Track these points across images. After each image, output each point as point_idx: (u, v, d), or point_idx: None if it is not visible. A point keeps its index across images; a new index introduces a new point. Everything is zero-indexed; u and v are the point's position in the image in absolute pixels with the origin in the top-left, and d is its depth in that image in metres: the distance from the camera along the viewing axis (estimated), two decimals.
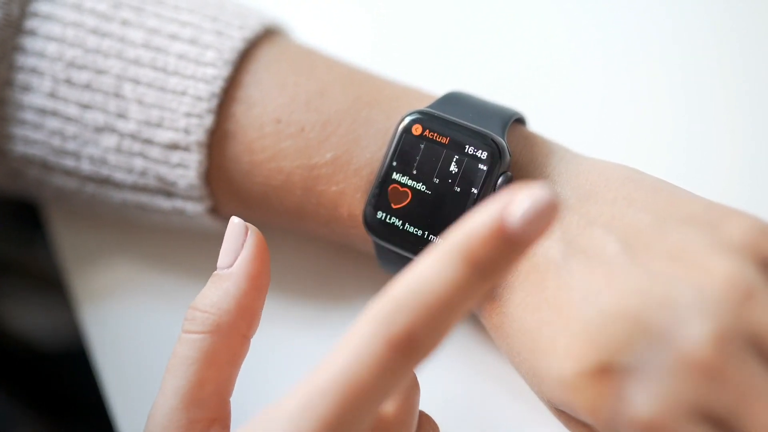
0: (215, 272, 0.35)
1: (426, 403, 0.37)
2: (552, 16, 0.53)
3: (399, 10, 0.54)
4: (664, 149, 0.48)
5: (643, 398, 0.31)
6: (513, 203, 0.28)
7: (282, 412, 0.28)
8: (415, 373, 0.35)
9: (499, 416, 0.42)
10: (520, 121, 0.41)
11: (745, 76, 0.50)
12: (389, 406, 0.34)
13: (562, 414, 0.38)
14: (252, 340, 0.43)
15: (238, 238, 0.35)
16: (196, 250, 0.47)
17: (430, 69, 0.50)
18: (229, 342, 0.34)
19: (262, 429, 0.28)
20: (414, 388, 0.35)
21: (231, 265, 0.35)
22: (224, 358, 0.34)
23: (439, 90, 0.41)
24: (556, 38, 0.52)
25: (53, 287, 0.57)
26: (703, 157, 0.48)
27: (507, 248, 0.28)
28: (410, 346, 0.28)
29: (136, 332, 0.47)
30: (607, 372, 0.32)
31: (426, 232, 0.38)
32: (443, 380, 0.42)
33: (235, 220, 0.36)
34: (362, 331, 0.28)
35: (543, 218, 0.28)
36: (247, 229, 0.35)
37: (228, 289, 0.34)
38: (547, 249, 0.36)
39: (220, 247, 0.36)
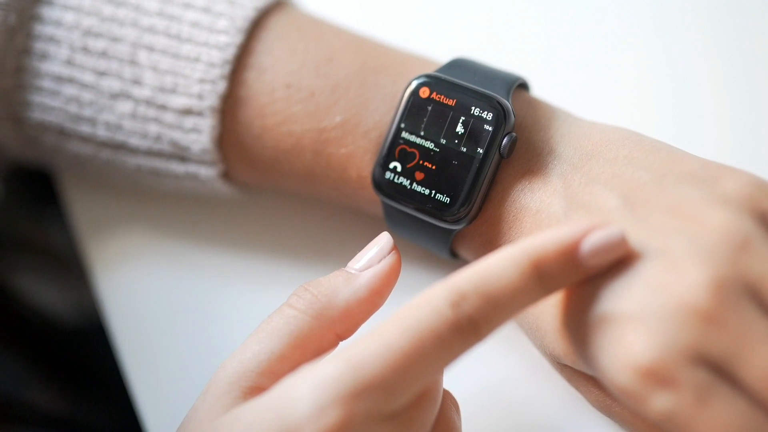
0: (347, 268, 0.36)
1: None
2: None
3: None
4: (664, 114, 0.49)
5: (643, 344, 0.32)
6: (592, 234, 0.33)
7: (328, 365, 0.30)
8: None
9: (509, 380, 0.43)
10: (523, 87, 0.42)
11: (744, 47, 0.51)
12: None
13: (565, 368, 0.39)
14: (259, 302, 0.44)
15: (382, 252, 0.36)
16: (209, 216, 0.48)
17: (434, 38, 0.51)
18: (322, 333, 0.35)
19: (299, 383, 0.31)
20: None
21: (362, 270, 0.36)
22: (312, 347, 0.35)
23: (443, 58, 0.42)
24: (557, 7, 0.53)
25: (67, 262, 0.58)
26: (702, 121, 0.49)
27: (570, 268, 0.33)
28: (471, 330, 0.31)
29: (152, 299, 0.48)
30: (608, 320, 0.33)
31: (433, 191, 0.39)
32: None
33: (386, 236, 0.37)
34: (427, 308, 0.31)
35: (609, 253, 0.33)
36: (392, 248, 0.37)
37: (346, 288, 0.35)
38: (549, 205, 0.38)
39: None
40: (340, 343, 0.36)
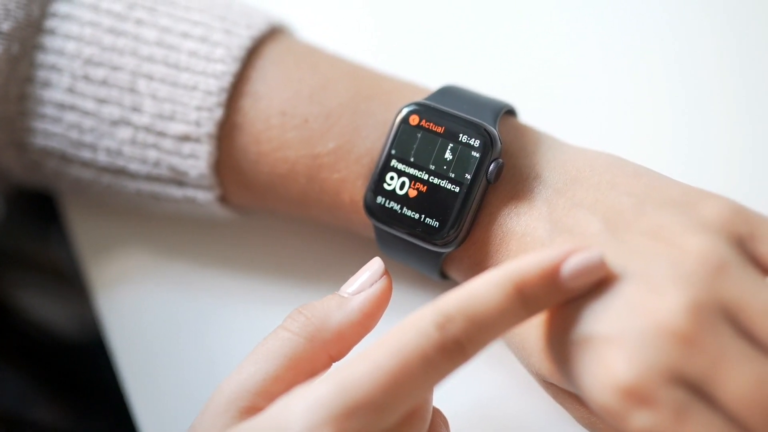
0: (340, 291, 0.38)
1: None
2: (544, 12, 0.55)
3: (396, 8, 0.56)
4: (649, 140, 0.50)
5: (623, 365, 0.33)
6: (572, 256, 0.34)
7: (321, 387, 0.31)
8: None
9: (490, 392, 0.44)
10: (511, 113, 0.43)
11: (737, 67, 0.52)
12: None
13: (551, 386, 0.40)
14: (256, 321, 0.45)
15: (374, 277, 0.38)
16: (206, 238, 0.49)
17: (426, 65, 0.52)
18: (316, 355, 0.36)
19: (293, 404, 0.32)
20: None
21: (354, 294, 0.37)
22: (306, 368, 0.36)
23: (434, 84, 0.43)
24: (546, 33, 0.54)
25: (68, 279, 0.59)
26: (688, 147, 0.50)
27: (552, 290, 0.34)
28: (457, 351, 0.32)
29: (152, 319, 0.49)
30: (589, 341, 0.34)
31: (423, 215, 0.40)
32: None
33: (378, 261, 0.38)
34: (414, 331, 0.32)
35: (589, 275, 0.34)
36: (384, 273, 0.38)
37: (339, 312, 0.37)
38: (535, 229, 0.39)
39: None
40: (333, 364, 0.37)
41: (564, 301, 0.35)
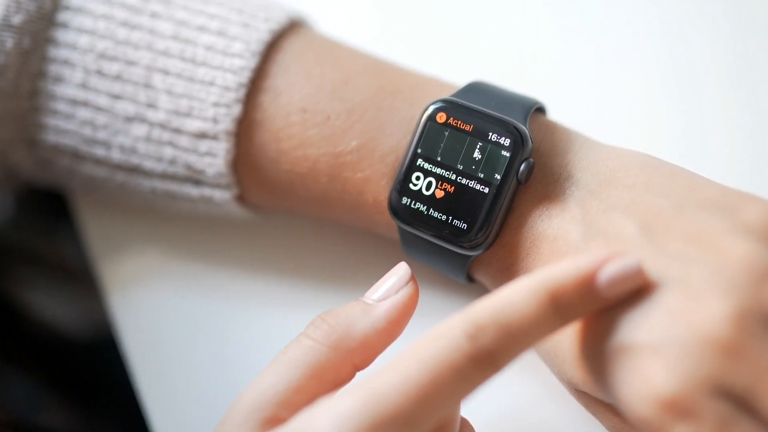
0: (365, 298, 0.36)
1: None
2: (568, 6, 0.53)
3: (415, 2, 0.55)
4: (682, 139, 0.49)
5: (664, 375, 0.31)
6: (608, 264, 0.33)
7: (338, 406, 0.30)
8: None
9: (521, 400, 0.42)
10: (540, 110, 0.42)
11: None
12: None
13: (583, 395, 0.38)
14: (272, 324, 0.44)
15: (399, 283, 0.36)
16: (222, 237, 0.48)
17: (449, 60, 0.51)
18: (339, 364, 0.35)
19: (318, 417, 0.31)
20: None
21: (379, 300, 0.36)
22: (329, 377, 0.35)
23: (459, 81, 0.42)
24: (573, 29, 0.53)
25: (79, 278, 0.58)
26: (721, 147, 0.48)
27: (588, 298, 0.33)
28: (488, 362, 0.31)
29: (164, 319, 0.48)
30: (627, 350, 0.33)
31: (450, 217, 0.39)
32: None
33: (404, 266, 0.37)
34: (444, 341, 0.31)
35: (626, 283, 0.33)
36: (410, 279, 0.37)
37: (363, 319, 0.35)
38: (567, 232, 0.37)
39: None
40: (358, 373, 0.36)
41: (600, 309, 0.33)
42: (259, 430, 0.33)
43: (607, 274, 0.33)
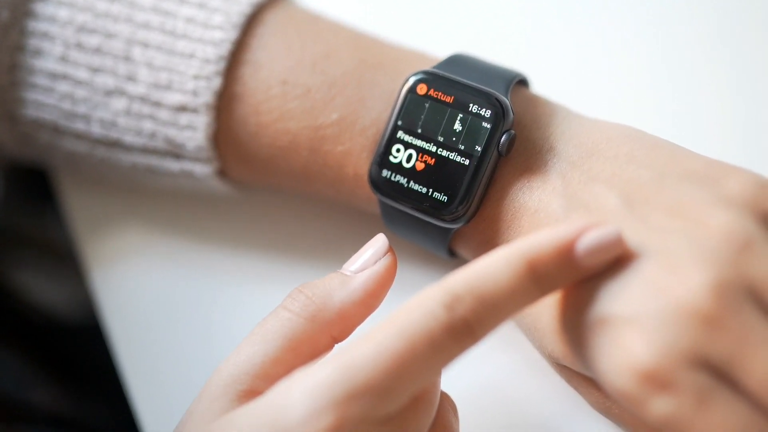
0: (343, 269, 0.36)
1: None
2: None
3: None
4: (665, 109, 0.48)
5: (642, 347, 0.31)
6: (587, 232, 0.32)
7: (321, 371, 0.30)
8: None
9: (500, 374, 0.42)
10: (523, 83, 0.41)
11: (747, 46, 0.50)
12: None
13: (564, 369, 0.38)
14: (256, 300, 0.43)
15: (377, 254, 0.36)
16: (204, 213, 0.47)
17: (432, 33, 0.51)
18: (317, 336, 0.35)
19: (294, 388, 0.30)
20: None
21: (357, 272, 0.36)
22: (307, 349, 0.34)
23: (441, 54, 0.41)
24: (560, 1, 0.52)
25: (65, 259, 0.58)
26: (703, 117, 0.48)
27: (566, 268, 0.32)
28: (466, 332, 0.31)
29: (148, 297, 0.47)
30: (606, 322, 0.32)
31: (431, 190, 0.38)
32: None
33: (382, 238, 0.37)
34: (421, 311, 0.31)
35: (606, 252, 0.32)
36: (388, 250, 0.36)
37: (341, 291, 0.35)
38: (548, 204, 0.37)
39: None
40: (336, 345, 0.35)
41: (579, 279, 0.33)
42: (236, 402, 0.33)
43: (586, 242, 0.32)
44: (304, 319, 0.34)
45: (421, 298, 0.31)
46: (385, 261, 0.36)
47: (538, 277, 0.32)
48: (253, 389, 0.33)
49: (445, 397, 0.36)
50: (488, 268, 0.32)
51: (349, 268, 0.36)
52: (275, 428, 0.30)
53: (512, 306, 0.32)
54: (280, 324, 0.34)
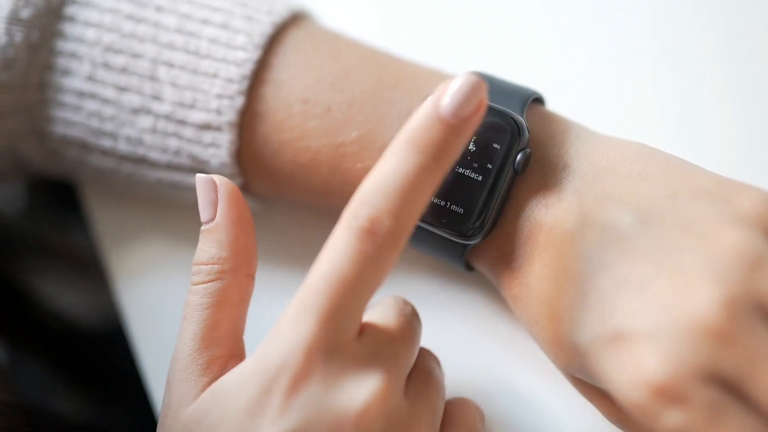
0: (203, 228, 0.38)
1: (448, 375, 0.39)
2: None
3: None
4: (678, 129, 0.49)
5: (655, 362, 0.32)
6: (443, 92, 0.34)
7: (285, 318, 0.33)
8: (417, 311, 0.39)
9: (519, 385, 0.43)
10: (538, 101, 0.42)
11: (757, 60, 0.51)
12: (390, 321, 0.37)
13: (579, 381, 0.39)
14: (277, 311, 0.44)
15: (211, 192, 0.38)
16: None
17: (448, 52, 0.51)
18: (236, 283, 0.37)
19: (272, 338, 0.33)
20: (413, 314, 0.38)
21: (214, 218, 0.38)
22: (234, 299, 0.37)
23: (458, 71, 0.42)
24: (573, 21, 0.53)
25: (89, 268, 0.59)
26: (716, 134, 0.48)
27: (447, 130, 0.34)
28: (375, 231, 0.33)
29: (172, 308, 0.48)
30: (622, 338, 0.33)
31: (448, 203, 0.39)
32: (465, 353, 0.44)
33: (201, 176, 0.38)
34: (336, 233, 0.33)
35: (470, 99, 0.34)
36: (215, 182, 0.38)
37: (220, 239, 0.37)
38: (563, 222, 0.38)
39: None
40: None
41: (468, 137, 0.35)
42: (204, 377, 0.35)
43: (447, 98, 0.34)
44: (218, 281, 0.37)
45: (340, 220, 0.33)
46: (223, 189, 0.38)
47: (424, 149, 0.34)
48: (211, 358, 0.36)
49: (427, 351, 0.39)
50: (380, 165, 0.34)
51: (208, 221, 0.38)
52: (263, 365, 0.33)
53: (418, 188, 0.34)
54: (200, 295, 0.37)
